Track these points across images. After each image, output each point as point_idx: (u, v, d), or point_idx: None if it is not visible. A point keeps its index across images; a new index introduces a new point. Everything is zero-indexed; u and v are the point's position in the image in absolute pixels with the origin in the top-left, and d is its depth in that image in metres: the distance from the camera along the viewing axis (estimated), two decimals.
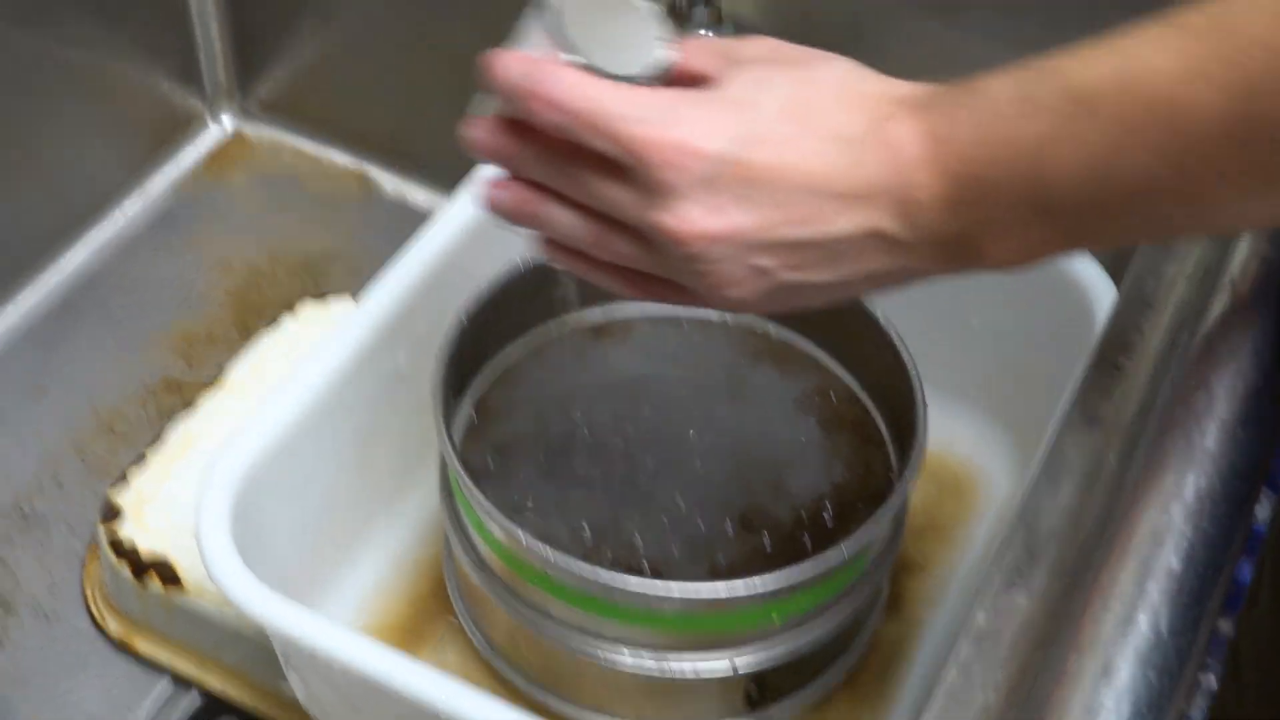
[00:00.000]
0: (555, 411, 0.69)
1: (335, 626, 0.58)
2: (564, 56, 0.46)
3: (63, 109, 0.92)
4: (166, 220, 0.97)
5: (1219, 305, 0.51)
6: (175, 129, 1.00)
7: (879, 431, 0.70)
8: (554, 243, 0.50)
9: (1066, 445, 0.49)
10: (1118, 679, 0.39)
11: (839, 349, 0.72)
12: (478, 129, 0.48)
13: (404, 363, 0.70)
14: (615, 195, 0.46)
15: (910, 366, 0.66)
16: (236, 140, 1.01)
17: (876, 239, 0.45)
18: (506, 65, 0.45)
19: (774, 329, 0.73)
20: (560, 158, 0.47)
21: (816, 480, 0.68)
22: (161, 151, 0.99)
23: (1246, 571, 1.07)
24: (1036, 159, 0.41)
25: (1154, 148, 0.39)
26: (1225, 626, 0.82)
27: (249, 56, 1.00)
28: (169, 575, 0.72)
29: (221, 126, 1.02)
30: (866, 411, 0.70)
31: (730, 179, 0.44)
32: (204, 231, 0.96)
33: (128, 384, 0.88)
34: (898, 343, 0.67)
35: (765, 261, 0.45)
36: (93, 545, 0.78)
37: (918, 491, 0.76)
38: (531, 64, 0.45)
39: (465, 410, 0.69)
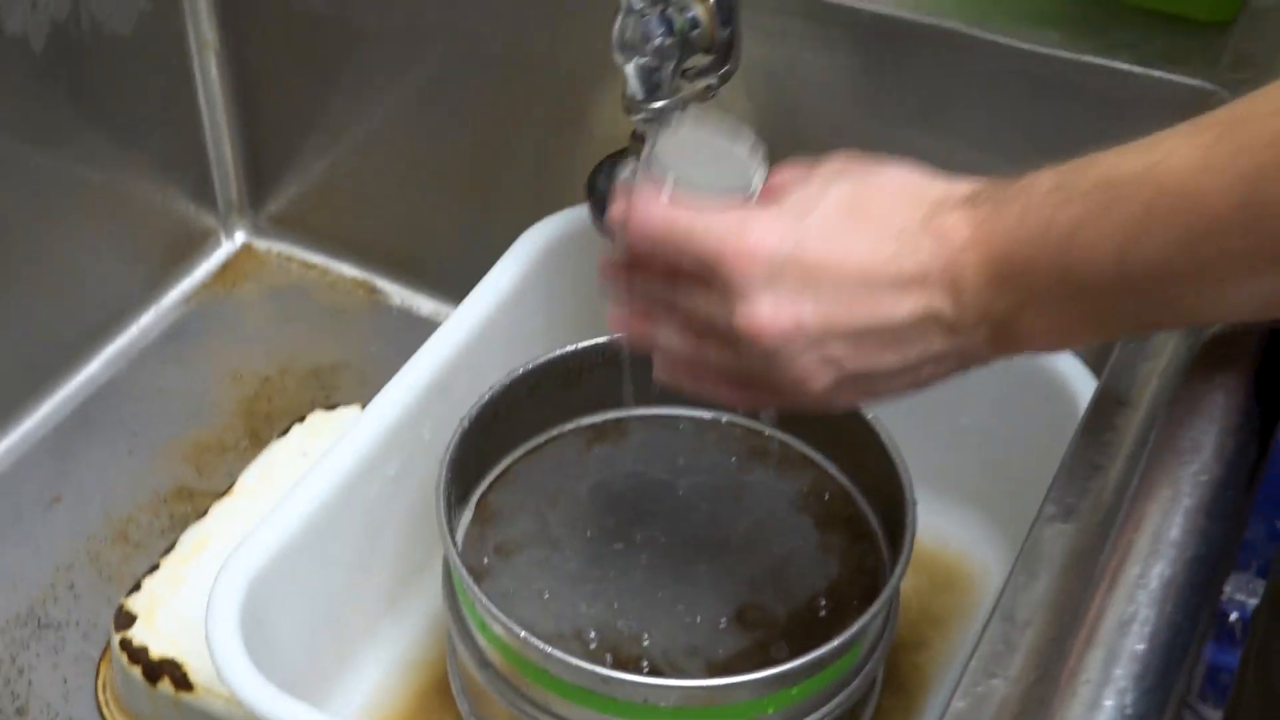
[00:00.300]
0: (556, 512, 0.71)
1: None
2: (665, 185, 0.51)
3: (81, 226, 0.94)
4: (179, 333, 0.98)
5: (1186, 400, 0.52)
6: (189, 244, 1.01)
7: (872, 529, 0.71)
8: (666, 363, 0.55)
9: (1043, 539, 0.50)
10: None
11: (833, 450, 0.73)
12: (604, 263, 0.55)
13: (408, 468, 0.71)
14: (701, 304, 0.50)
15: (900, 465, 0.68)
16: (247, 254, 1.03)
17: (931, 321, 0.47)
18: (615, 205, 0.52)
19: (769, 430, 0.74)
20: (660, 279, 0.52)
21: (812, 577, 0.69)
22: (175, 266, 1.00)
23: (1232, 659, 1.07)
24: (1068, 241, 0.44)
25: (1170, 232, 0.42)
26: (1213, 715, 0.83)
27: (260, 174, 1.01)
28: (180, 678, 0.73)
29: (233, 241, 1.03)
30: (860, 510, 0.72)
31: (791, 274, 0.47)
32: (216, 343, 0.97)
33: (141, 492, 0.88)
34: (888, 443, 0.68)
35: (832, 350, 0.48)
36: (106, 650, 0.78)
37: (913, 585, 0.77)
38: (631, 201, 0.51)
39: (468, 513, 0.70)
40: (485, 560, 0.68)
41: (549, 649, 0.60)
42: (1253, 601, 1.08)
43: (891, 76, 0.79)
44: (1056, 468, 0.54)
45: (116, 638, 0.75)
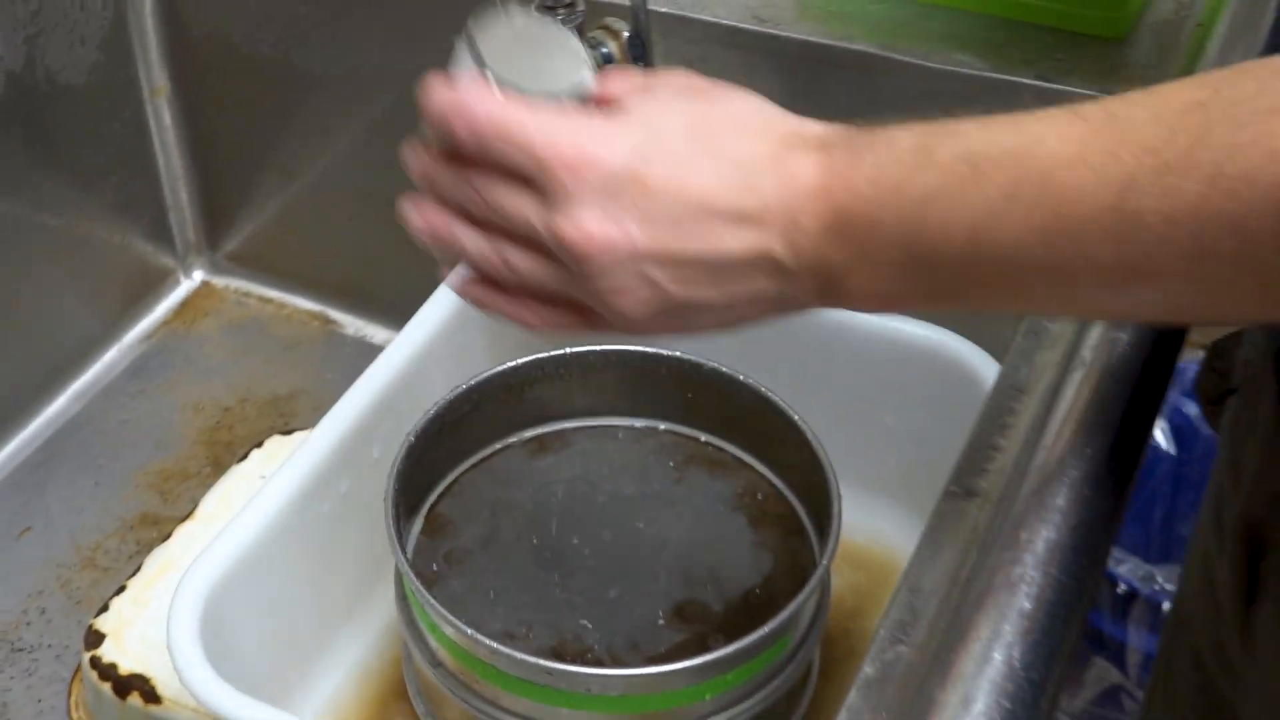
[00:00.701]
0: (502, 521, 0.72)
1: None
2: (489, 81, 0.48)
3: (43, 269, 0.95)
4: (142, 368, 0.99)
5: (1073, 385, 0.56)
6: (149, 283, 1.02)
7: (803, 525, 0.73)
8: (470, 273, 0.51)
9: (946, 516, 0.53)
10: (975, 708, 0.43)
11: (763, 451, 0.75)
12: (412, 152, 0.50)
13: (359, 484, 0.72)
14: (520, 204, 0.46)
15: (826, 463, 0.69)
16: (205, 291, 1.04)
17: (762, 261, 0.45)
18: (433, 91, 0.47)
19: (704, 436, 0.76)
20: (475, 176, 0.47)
21: (747, 572, 0.71)
22: (136, 304, 1.01)
23: (1150, 642, 1.10)
24: (920, 209, 0.42)
25: (1029, 222, 0.40)
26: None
27: (215, 213, 1.03)
28: (148, 692, 0.74)
29: (192, 279, 1.05)
30: (791, 508, 0.73)
31: (627, 190, 0.45)
32: (177, 377, 0.98)
33: (108, 521, 0.89)
34: (814, 442, 0.70)
35: (656, 274, 0.46)
36: (78, 670, 0.79)
37: (848, 580, 0.79)
38: (454, 89, 0.47)
39: (418, 523, 0.72)
40: (435, 567, 0.69)
41: (496, 645, 0.62)
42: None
43: (812, 98, 0.81)
44: None
45: (87, 656, 0.76)
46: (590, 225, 0.45)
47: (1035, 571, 0.47)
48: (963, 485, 0.54)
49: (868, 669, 0.48)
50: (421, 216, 0.50)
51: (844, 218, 0.43)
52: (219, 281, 1.05)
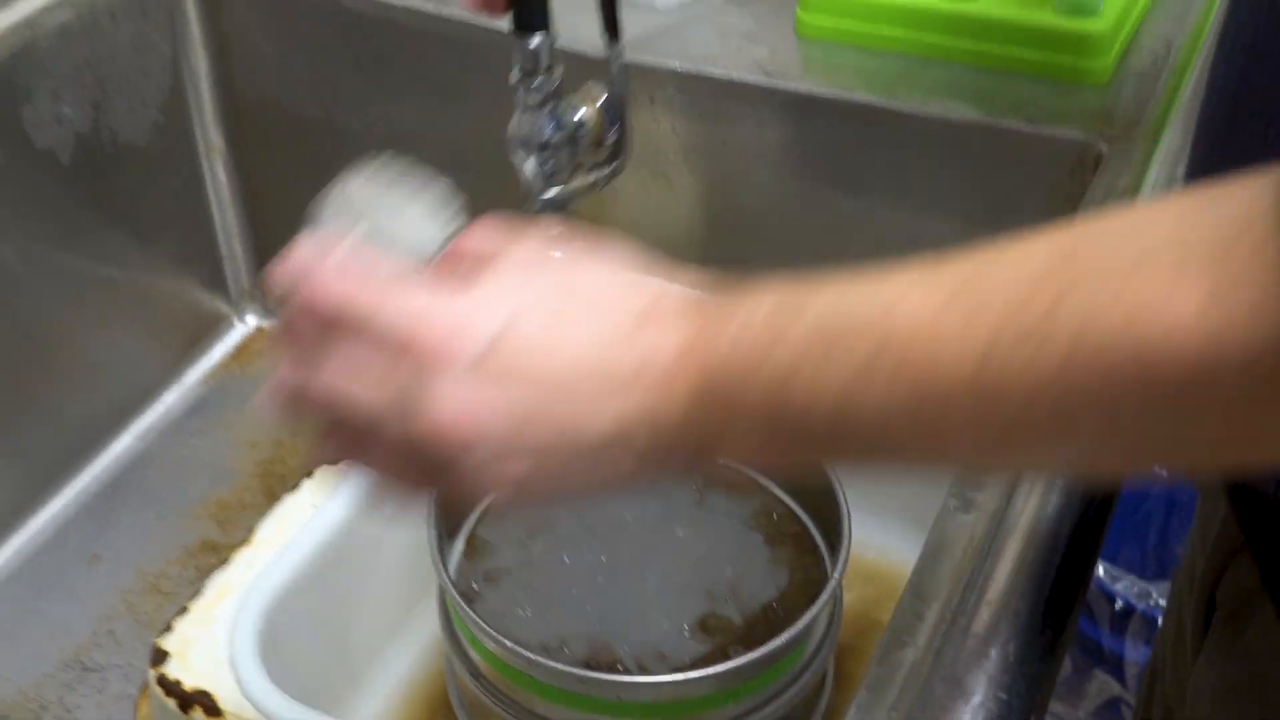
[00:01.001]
0: (536, 542, 0.73)
1: None
2: (351, 237, 0.44)
3: (107, 317, 0.96)
4: (200, 407, 1.00)
5: None
6: (206, 328, 1.03)
7: (816, 543, 0.73)
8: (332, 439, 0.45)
9: (947, 528, 0.54)
10: (973, 700, 0.44)
11: (779, 475, 0.75)
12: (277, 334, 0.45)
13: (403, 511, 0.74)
14: (377, 387, 0.41)
15: (837, 485, 0.70)
16: (259, 335, 1.05)
17: (631, 439, 0.41)
18: (282, 267, 0.43)
19: (723, 460, 0.78)
20: (335, 352, 0.42)
21: (764, 588, 0.71)
22: (194, 349, 1.02)
23: (1147, 655, 1.09)
24: (783, 382, 0.39)
25: (891, 394, 0.37)
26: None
27: (267, 262, 1.04)
28: (210, 706, 0.73)
29: (245, 324, 1.06)
30: (804, 526, 0.74)
31: (492, 376, 0.40)
32: (233, 414, 0.99)
33: (171, 549, 0.90)
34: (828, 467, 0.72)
35: (515, 465, 0.42)
36: (145, 688, 0.79)
37: (860, 595, 0.80)
38: (304, 263, 0.43)
39: (458, 546, 0.72)
40: (475, 586, 0.70)
41: (533, 657, 0.63)
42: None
43: (814, 146, 0.83)
44: None
45: (153, 674, 0.77)
46: (447, 415, 0.40)
47: (1030, 580, 0.48)
48: (961, 499, 0.55)
49: (876, 669, 0.49)
50: (291, 395, 0.44)
51: (709, 391, 0.40)
52: (271, 326, 1.06)
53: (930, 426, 0.37)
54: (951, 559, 0.52)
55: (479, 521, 0.74)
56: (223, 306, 1.05)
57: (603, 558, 0.73)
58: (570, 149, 0.70)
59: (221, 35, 0.95)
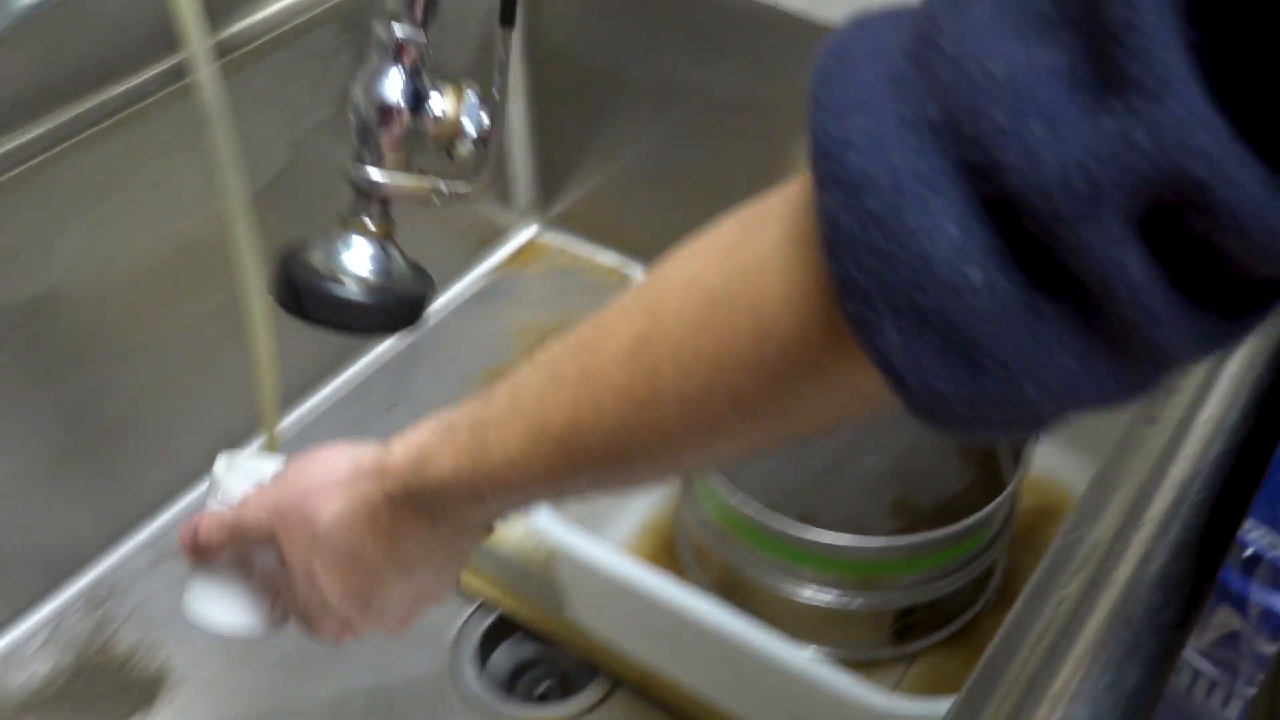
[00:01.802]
0: None
1: (607, 549, 0.66)
2: (212, 503, 0.53)
3: (420, 219, 0.95)
4: (484, 297, 1.03)
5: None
6: (493, 235, 1.06)
7: (1001, 455, 0.74)
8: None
9: (1132, 440, 0.53)
10: (1149, 573, 0.43)
11: None
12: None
13: None
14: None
15: None
16: (534, 244, 1.08)
17: (371, 531, 0.47)
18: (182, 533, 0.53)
19: None
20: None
21: (951, 484, 0.73)
22: (484, 249, 1.05)
23: (1269, 599, 1.03)
24: (445, 472, 0.43)
25: (515, 455, 0.40)
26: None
27: (548, 186, 1.06)
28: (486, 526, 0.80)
29: (523, 234, 1.08)
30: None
31: (279, 519, 0.49)
32: (509, 305, 1.02)
33: (453, 403, 0.94)
34: None
35: (325, 554, 0.49)
36: None
37: (1028, 501, 0.78)
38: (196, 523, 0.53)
39: None
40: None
41: (758, 513, 0.66)
42: None
43: None
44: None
45: None
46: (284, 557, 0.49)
47: (1203, 479, 0.47)
48: (1145, 414, 0.54)
49: (1063, 539, 0.49)
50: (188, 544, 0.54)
51: (409, 495, 0.45)
52: (546, 237, 1.09)
53: (546, 474, 0.40)
54: (1132, 471, 0.51)
55: None
56: (510, 217, 1.08)
57: (817, 443, 0.74)
58: (407, 132, 0.55)
59: None
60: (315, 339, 0.93)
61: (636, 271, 1.06)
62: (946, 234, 0.26)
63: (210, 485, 0.55)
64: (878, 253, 0.26)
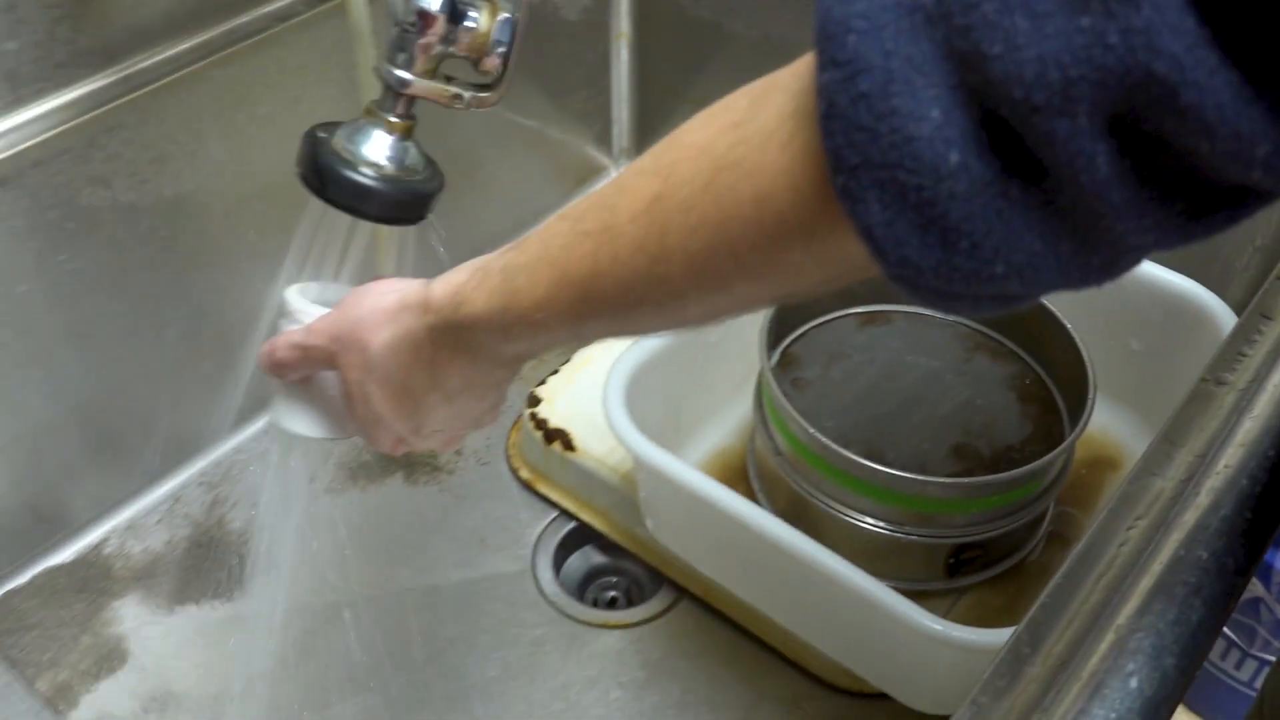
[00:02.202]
0: (835, 366, 0.75)
1: (687, 466, 0.66)
2: (291, 310, 0.55)
3: (521, 154, 0.98)
4: None
5: None
6: (590, 173, 1.06)
7: (1059, 408, 0.73)
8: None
9: (1199, 398, 0.52)
10: (1211, 526, 0.42)
11: (1036, 349, 0.75)
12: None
13: (734, 324, 0.76)
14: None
15: (1088, 362, 0.70)
16: None
17: (420, 352, 0.48)
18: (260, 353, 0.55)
19: (991, 331, 0.77)
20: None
21: (1010, 433, 0.72)
22: (579, 186, 1.05)
23: None
24: (479, 310, 0.44)
25: (541, 298, 0.41)
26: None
27: (644, 129, 1.06)
28: (567, 442, 0.80)
29: (620, 173, 1.09)
30: (1051, 394, 0.74)
31: (345, 349, 0.50)
32: None
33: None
34: (1081, 346, 0.71)
35: (379, 374, 0.50)
36: (517, 421, 0.85)
37: (1082, 456, 0.78)
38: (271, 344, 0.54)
39: (774, 358, 0.75)
40: (784, 389, 0.73)
41: (828, 443, 0.66)
42: None
43: None
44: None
45: (526, 412, 0.83)
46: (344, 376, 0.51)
47: (1270, 447, 0.46)
48: (1214, 376, 0.53)
49: (1126, 488, 0.48)
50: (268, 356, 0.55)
51: (454, 325, 0.46)
52: None
53: (566, 311, 0.40)
54: (1198, 431, 0.50)
55: (792, 343, 0.77)
56: (604, 158, 1.07)
57: (886, 388, 0.74)
58: (441, 41, 0.55)
59: None
60: (426, 260, 0.94)
61: None
62: (930, 117, 0.26)
63: (280, 309, 0.56)
64: (866, 131, 0.27)
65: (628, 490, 0.76)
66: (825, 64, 0.28)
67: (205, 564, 0.80)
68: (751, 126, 0.33)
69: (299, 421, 0.57)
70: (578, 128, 1.03)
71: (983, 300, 0.30)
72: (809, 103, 0.30)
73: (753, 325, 0.71)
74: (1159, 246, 0.28)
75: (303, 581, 0.78)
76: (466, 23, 0.55)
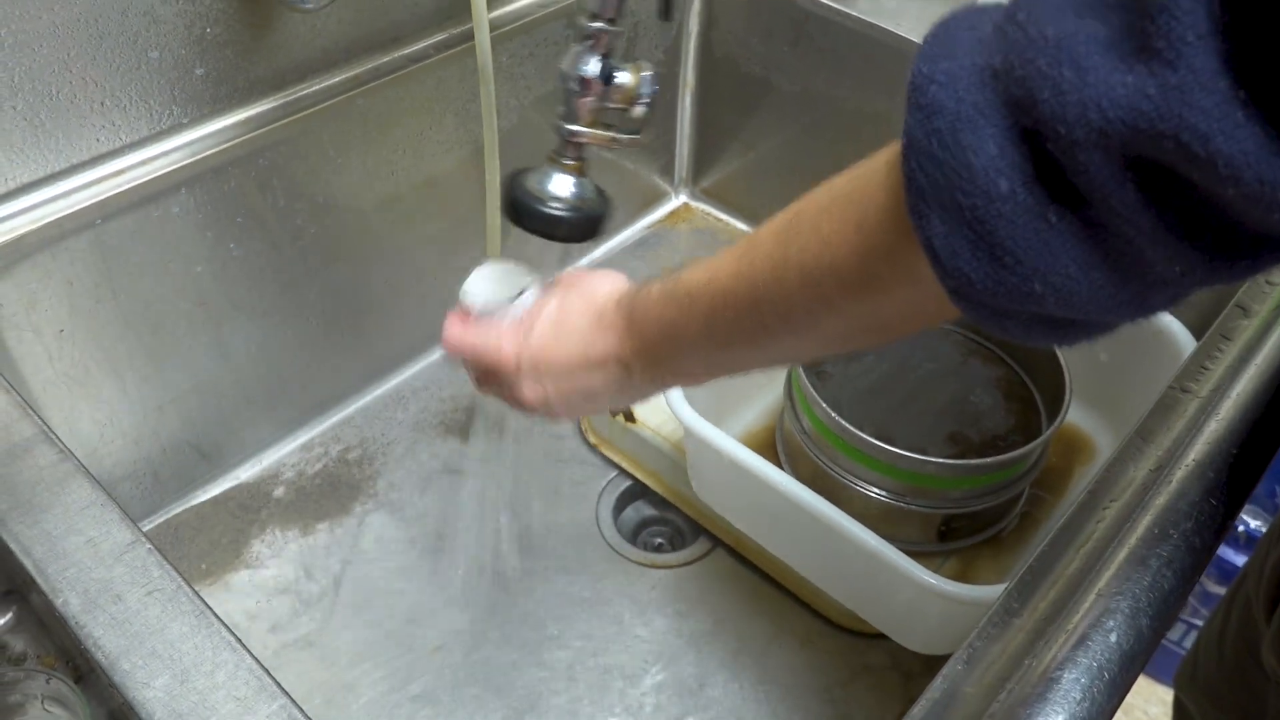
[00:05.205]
0: (853, 363, 0.73)
1: (729, 438, 0.64)
2: (471, 304, 0.50)
3: (599, 181, 0.97)
4: (641, 245, 1.02)
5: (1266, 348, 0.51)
6: (653, 198, 1.05)
7: (1038, 406, 0.71)
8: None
9: (1167, 404, 0.50)
10: (1182, 513, 0.41)
11: (1020, 355, 0.73)
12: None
13: None
14: (496, 385, 0.49)
15: (1065, 368, 0.68)
16: (685, 209, 1.06)
17: (616, 383, 0.45)
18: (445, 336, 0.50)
19: (983, 339, 0.76)
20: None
21: (997, 425, 0.70)
22: (644, 210, 1.04)
23: (1227, 554, 0.98)
24: (673, 329, 0.42)
25: (708, 318, 0.39)
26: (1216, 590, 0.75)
27: (701, 164, 1.04)
28: (628, 415, 0.79)
29: (678, 200, 1.06)
30: (1032, 393, 0.72)
31: (528, 368, 0.46)
32: (661, 253, 1.01)
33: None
34: (1060, 356, 0.69)
35: (560, 405, 0.47)
36: None
37: (1056, 451, 0.76)
38: (449, 331, 0.50)
39: None
40: (810, 380, 0.71)
41: (844, 423, 0.64)
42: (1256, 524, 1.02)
43: None
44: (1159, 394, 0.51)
45: None
46: (524, 394, 0.47)
47: (1232, 445, 0.44)
48: (1180, 385, 0.51)
49: (1096, 477, 0.46)
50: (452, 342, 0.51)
51: (646, 347, 0.43)
52: (694, 204, 1.07)
53: (729, 333, 0.39)
54: (1164, 433, 0.48)
55: None
56: (667, 185, 1.06)
57: (895, 383, 0.73)
58: (599, 98, 0.57)
59: (712, 11, 0.96)
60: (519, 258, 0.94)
61: None
62: (986, 150, 0.26)
63: (464, 292, 0.51)
64: (935, 159, 0.27)
65: (677, 456, 0.75)
66: (911, 109, 0.28)
67: (332, 500, 0.80)
68: (863, 169, 0.34)
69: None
70: (647, 160, 1.02)
71: (1033, 324, 0.29)
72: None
73: None
74: (1186, 283, 0.27)
75: (410, 515, 0.78)
76: (617, 81, 0.57)
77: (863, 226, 0.33)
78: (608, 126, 0.59)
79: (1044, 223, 0.26)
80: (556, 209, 0.59)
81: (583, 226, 0.60)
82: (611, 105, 0.58)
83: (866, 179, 0.33)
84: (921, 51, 0.28)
